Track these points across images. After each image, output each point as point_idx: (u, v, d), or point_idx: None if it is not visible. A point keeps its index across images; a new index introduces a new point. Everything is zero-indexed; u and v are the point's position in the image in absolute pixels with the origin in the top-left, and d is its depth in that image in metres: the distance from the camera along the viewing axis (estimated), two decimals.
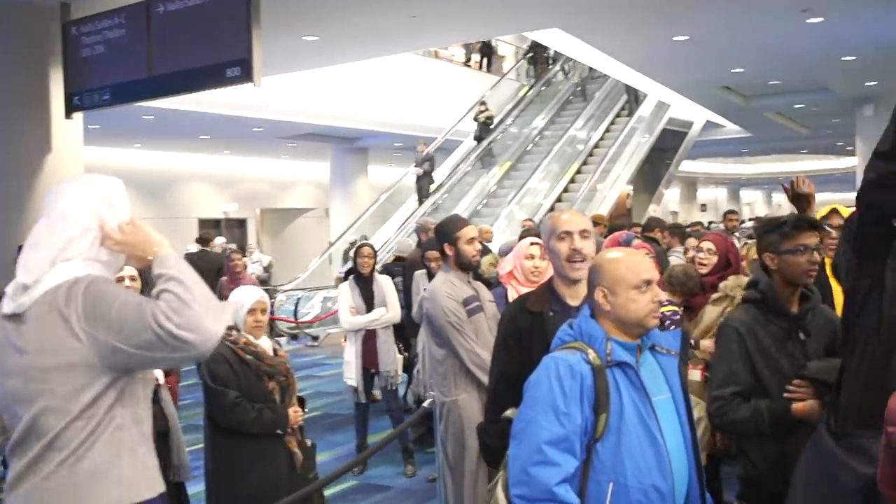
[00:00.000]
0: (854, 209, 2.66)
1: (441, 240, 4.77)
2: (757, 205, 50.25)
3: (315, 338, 14.71)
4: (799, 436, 3.02)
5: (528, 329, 3.22)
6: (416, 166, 18.70)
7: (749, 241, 5.77)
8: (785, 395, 3.11)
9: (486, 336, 4.63)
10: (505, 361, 3.31)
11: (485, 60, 24.30)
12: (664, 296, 2.69)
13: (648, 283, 2.60)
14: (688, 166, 30.08)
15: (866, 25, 11.38)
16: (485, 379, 4.49)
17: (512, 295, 4.78)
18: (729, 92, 17.20)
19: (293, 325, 14.81)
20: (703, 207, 42.74)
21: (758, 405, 3.13)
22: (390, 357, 7.12)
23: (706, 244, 5.19)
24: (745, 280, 4.21)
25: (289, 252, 25.72)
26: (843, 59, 13.49)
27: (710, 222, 21.83)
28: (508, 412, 2.77)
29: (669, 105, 20.11)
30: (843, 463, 2.56)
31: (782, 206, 52.24)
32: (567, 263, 3.21)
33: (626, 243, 5.36)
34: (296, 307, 15.50)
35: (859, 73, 14.83)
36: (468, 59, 24.35)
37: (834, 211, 4.45)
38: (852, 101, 17.63)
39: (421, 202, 18.53)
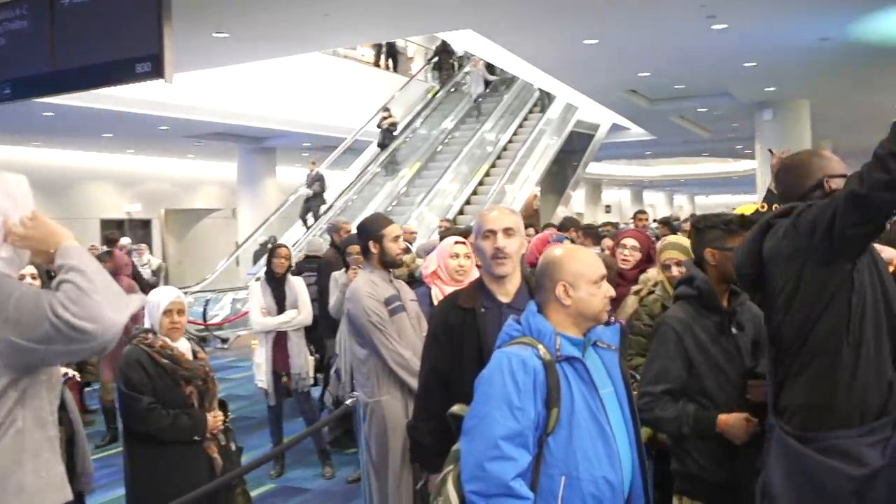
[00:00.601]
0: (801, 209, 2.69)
1: (365, 237, 4.74)
2: (659, 206, 51.37)
3: (225, 340, 14.45)
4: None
5: (460, 325, 3.25)
6: (306, 187, 18.29)
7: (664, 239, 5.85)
8: (748, 395, 3.16)
9: (409, 335, 4.62)
10: (436, 357, 3.33)
11: (390, 61, 24.25)
12: (613, 292, 2.74)
13: (602, 278, 2.69)
14: (593, 168, 30.51)
15: (767, 32, 11.72)
16: (409, 379, 4.49)
17: (436, 294, 4.78)
18: (635, 95, 17.51)
19: (202, 327, 14.52)
20: (608, 209, 43.49)
21: (685, 408, 3.17)
22: (301, 359, 7.03)
23: (630, 241, 5.28)
24: (662, 274, 4.28)
25: (195, 253, 25.26)
26: (744, 64, 13.85)
27: (625, 223, 22.22)
28: (455, 408, 2.78)
29: (577, 108, 20.39)
30: (829, 468, 2.58)
31: (683, 207, 53.57)
32: (492, 261, 3.25)
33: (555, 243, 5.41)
34: (204, 309, 15.21)
35: (759, 79, 15.27)
36: (378, 60, 24.27)
37: (759, 212, 4.54)
38: (752, 106, 18.11)
39: (307, 224, 18.12)
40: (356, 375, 4.84)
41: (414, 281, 6.12)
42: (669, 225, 12.64)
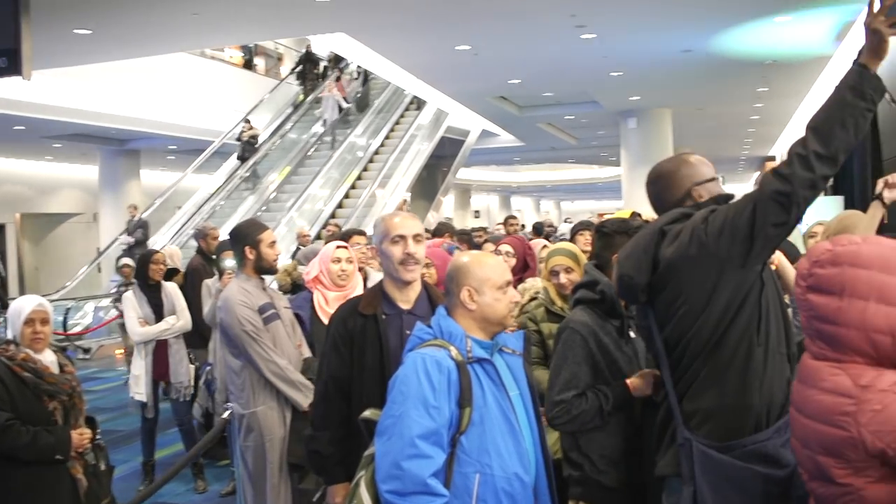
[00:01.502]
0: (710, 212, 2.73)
1: (240, 243, 4.60)
2: (527, 212, 52.23)
3: (87, 350, 13.88)
4: (641, 431, 3.14)
5: (361, 332, 3.22)
6: (127, 234, 16.92)
7: (549, 243, 5.92)
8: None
9: (285, 344, 4.52)
10: (335, 365, 3.28)
11: (263, 63, 23.87)
12: (518, 297, 2.78)
13: (508, 284, 2.75)
14: (463, 174, 30.77)
15: (634, 43, 12.07)
16: (285, 388, 4.39)
17: (318, 299, 4.69)
18: (505, 102, 17.76)
19: (62, 337, 13.88)
20: (477, 214, 43.95)
21: (597, 391, 3.20)
22: (183, 368, 6.80)
23: (505, 247, 5.30)
24: (547, 279, 4.28)
25: (54, 260, 24.19)
26: (611, 74, 14.22)
27: (495, 228, 22.46)
28: (368, 413, 2.77)
29: (448, 113, 20.50)
30: (756, 474, 2.60)
31: (549, 212, 54.61)
32: (400, 266, 3.22)
33: (449, 253, 5.38)
34: (65, 318, 14.55)
35: (625, 88, 15.72)
36: (247, 62, 23.83)
37: (636, 214, 4.61)
38: (617, 114, 18.65)
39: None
40: (230, 386, 4.69)
41: (297, 288, 6.00)
42: (540, 231, 12.88)
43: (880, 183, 3.86)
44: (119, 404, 9.84)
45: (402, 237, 3.23)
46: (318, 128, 20.89)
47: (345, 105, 20.84)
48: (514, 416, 2.65)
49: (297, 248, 11.11)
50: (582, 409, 3.17)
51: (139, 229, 16.98)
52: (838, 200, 9.11)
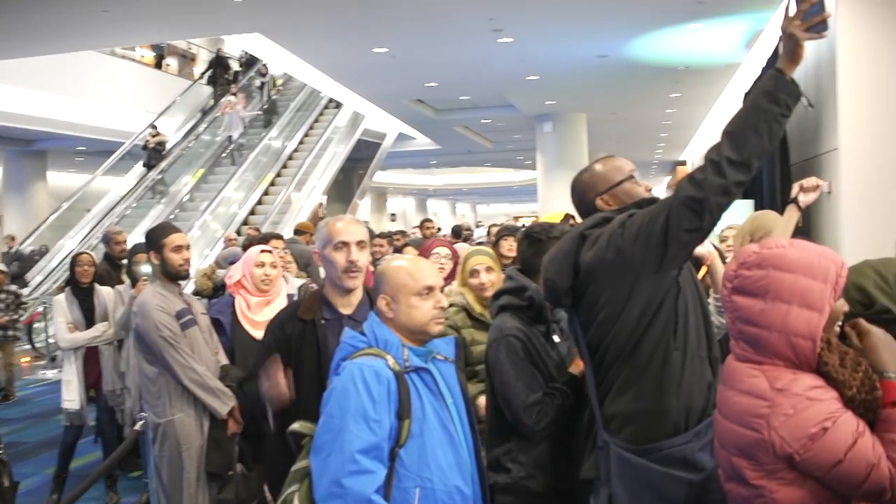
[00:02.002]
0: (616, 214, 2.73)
1: (148, 248, 4.50)
2: (443, 215, 52.36)
3: None
4: (567, 439, 3.12)
5: (298, 337, 3.16)
6: (5, 265, 13.58)
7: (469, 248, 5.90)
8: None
9: (202, 350, 4.42)
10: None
11: (175, 63, 23.39)
12: (446, 301, 2.68)
13: (430, 289, 2.63)
14: (379, 177, 30.72)
15: (550, 48, 12.17)
16: (203, 396, 4.29)
17: (240, 304, 4.59)
18: (422, 105, 17.74)
19: None
20: (393, 217, 43.89)
21: (553, 388, 3.18)
22: (115, 375, 6.51)
23: (444, 251, 5.27)
24: (465, 281, 4.25)
25: None
26: (527, 77, 14.31)
27: (411, 231, 22.43)
28: (296, 426, 2.65)
29: (365, 116, 20.41)
30: (672, 477, 2.61)
31: (465, 216, 54.81)
32: (343, 274, 3.16)
33: None
34: None
35: (541, 92, 15.84)
36: (159, 62, 23.33)
37: (569, 216, 4.59)
38: (533, 118, 18.79)
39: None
40: (144, 394, 4.54)
41: (218, 291, 5.86)
42: (458, 234, 12.89)
43: (795, 187, 3.95)
44: (23, 415, 9.51)
45: (345, 244, 3.16)
46: (246, 113, 20.54)
47: (247, 120, 20.26)
48: (454, 425, 2.57)
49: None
50: (556, 407, 3.16)
51: (15, 262, 16.28)
52: (749, 204, 9.29)
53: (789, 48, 2.46)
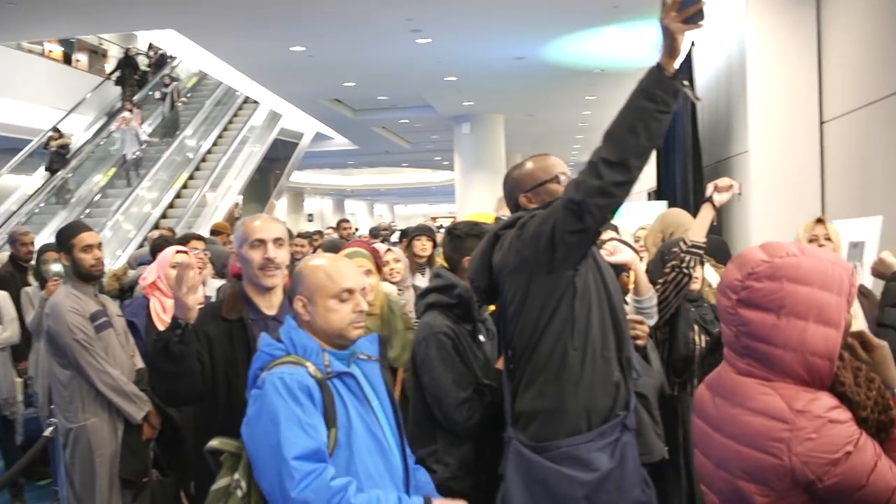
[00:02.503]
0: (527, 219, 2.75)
1: (57, 247, 4.37)
2: (360, 215, 52.12)
3: None
4: (492, 437, 3.09)
5: (226, 336, 3.03)
6: None
7: (393, 249, 5.87)
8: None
9: (118, 353, 4.30)
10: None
11: (85, 59, 22.72)
12: (366, 305, 2.57)
13: (350, 291, 2.51)
14: (296, 177, 30.42)
15: (468, 49, 12.21)
16: (118, 400, 4.17)
17: (155, 306, 4.47)
18: (340, 105, 17.64)
19: None
20: (310, 218, 43.50)
21: (483, 385, 3.16)
22: (8, 382, 6.29)
23: (394, 253, 5.25)
24: (386, 285, 4.23)
25: None
26: (445, 78, 14.35)
27: (326, 232, 22.25)
28: (214, 443, 2.49)
29: (282, 115, 20.18)
30: (562, 475, 2.62)
31: (383, 216, 54.66)
32: (260, 272, 3.07)
33: None
34: None
35: (459, 93, 15.90)
36: (67, 56, 22.66)
37: (499, 220, 4.60)
38: (451, 119, 18.85)
39: None
40: (56, 399, 4.39)
41: (125, 293, 5.71)
42: (377, 235, 12.85)
43: (710, 186, 4.04)
44: None
45: (262, 241, 3.07)
46: (147, 127, 20.02)
47: (144, 136, 18.97)
48: (381, 430, 2.47)
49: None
50: (485, 405, 3.14)
51: None
52: (663, 205, 9.46)
53: (667, 41, 2.41)
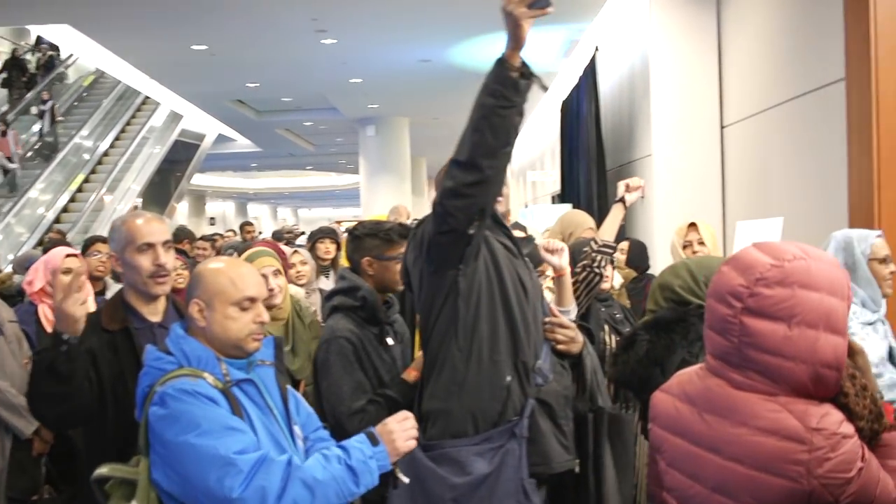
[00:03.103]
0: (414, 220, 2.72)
1: None
2: (264, 219, 51.43)
3: None
4: None
5: (109, 348, 2.75)
6: None
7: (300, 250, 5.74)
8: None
9: (9, 363, 4.02)
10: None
11: None
12: (267, 315, 2.41)
13: (252, 300, 2.33)
14: (198, 179, 29.88)
15: (374, 51, 12.10)
16: (5, 414, 3.92)
17: (44, 312, 4.23)
18: (243, 106, 17.36)
19: None
20: (213, 221, 42.72)
21: (380, 395, 3.03)
22: None
23: (300, 257, 5.13)
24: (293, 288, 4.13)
25: None
26: (351, 80, 14.20)
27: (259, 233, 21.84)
28: (104, 470, 2.23)
29: (183, 116, 19.75)
30: (435, 475, 2.60)
31: (286, 220, 54.10)
32: (150, 279, 2.81)
33: None
34: None
35: (364, 96, 15.77)
36: None
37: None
38: (356, 122, 18.71)
39: None
40: None
41: (15, 298, 5.44)
42: (280, 238, 12.63)
43: (621, 186, 4.06)
44: None
45: (151, 245, 2.82)
46: (38, 126, 19.31)
47: (11, 166, 17.23)
48: (284, 437, 2.33)
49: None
50: (380, 417, 3.03)
51: None
52: (566, 208, 9.57)
53: (510, 29, 2.32)
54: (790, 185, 5.22)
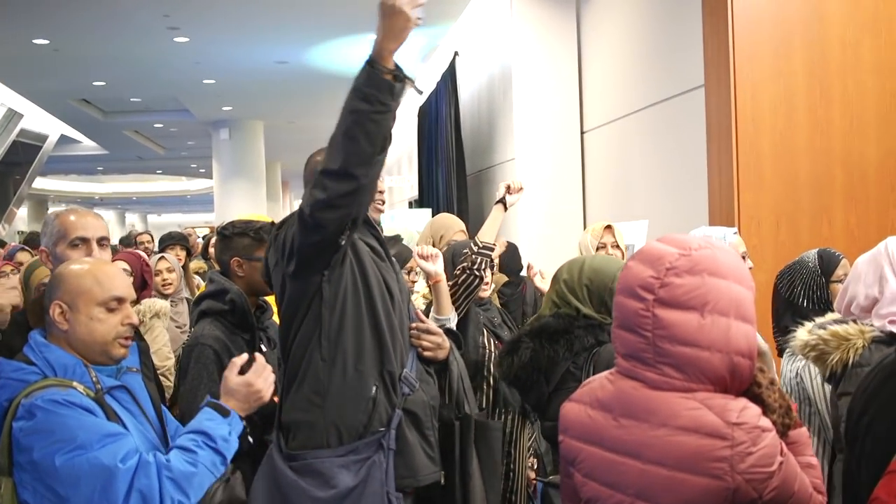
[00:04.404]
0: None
1: None
2: (111, 225, 49.60)
3: None
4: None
5: None
6: None
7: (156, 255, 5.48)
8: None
9: None
10: None
11: None
12: (136, 318, 2.27)
13: (120, 300, 2.21)
14: (40, 183, 28.52)
15: (227, 51, 11.80)
16: None
17: None
18: (88, 105, 16.63)
19: None
20: None
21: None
22: None
23: (121, 264, 4.82)
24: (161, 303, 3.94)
25: None
26: (204, 81, 13.83)
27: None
28: None
29: (23, 115, 18.77)
30: (298, 488, 2.47)
31: (135, 225, 52.39)
32: None
33: None
34: None
35: (217, 98, 15.39)
36: None
37: None
38: (209, 125, 18.25)
39: None
40: None
41: None
42: (129, 245, 12.15)
43: (502, 187, 4.05)
44: None
45: (85, 240, 2.67)
46: None
47: None
48: (162, 445, 2.22)
49: None
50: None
51: None
52: (426, 212, 9.59)
53: (396, 27, 2.19)
54: (652, 189, 5.35)
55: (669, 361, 1.73)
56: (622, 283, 1.83)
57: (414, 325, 2.78)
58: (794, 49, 4.25)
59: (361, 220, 2.55)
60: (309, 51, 11.83)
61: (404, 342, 2.68)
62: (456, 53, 9.22)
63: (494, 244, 3.85)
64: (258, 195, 18.43)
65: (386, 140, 2.34)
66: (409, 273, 4.10)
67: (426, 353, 2.78)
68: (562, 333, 2.71)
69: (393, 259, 2.79)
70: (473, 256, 3.72)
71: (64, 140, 21.83)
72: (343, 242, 2.48)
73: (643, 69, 5.42)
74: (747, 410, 1.68)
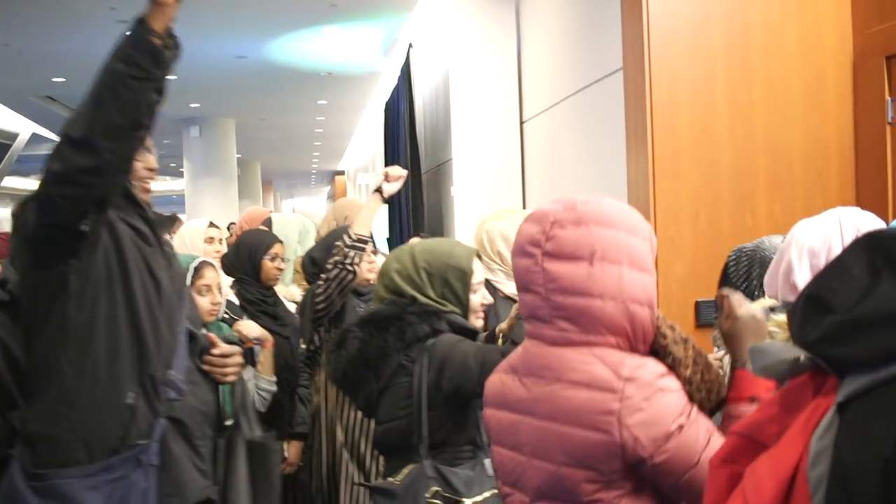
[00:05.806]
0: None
1: None
2: None
3: None
4: None
5: None
6: None
7: None
8: None
9: None
10: None
11: None
12: None
13: None
14: (10, 182, 28.21)
15: (186, 45, 11.50)
16: None
17: None
18: (53, 103, 16.37)
19: None
20: None
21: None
22: None
23: None
24: None
25: None
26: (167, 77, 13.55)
27: None
28: None
29: None
30: None
31: None
32: None
33: None
34: None
35: (183, 94, 15.12)
36: None
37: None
38: (179, 122, 18.04)
39: None
40: None
41: None
42: None
43: (381, 175, 3.93)
44: None
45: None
46: None
47: None
48: None
49: None
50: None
51: None
52: (384, 208, 9.43)
53: None
54: (580, 177, 5.20)
55: (563, 314, 1.72)
56: (514, 246, 1.84)
57: (210, 353, 2.52)
58: (713, 29, 4.02)
59: (111, 204, 2.24)
60: (267, 45, 11.60)
61: (171, 339, 2.35)
62: (410, 46, 9.02)
63: (369, 237, 3.67)
64: (230, 194, 18.24)
65: (142, 114, 2.10)
66: (273, 260, 3.98)
67: (217, 378, 2.54)
68: (392, 320, 2.49)
69: (165, 243, 2.49)
70: (346, 250, 3.54)
71: (36, 139, 21.58)
72: (85, 229, 2.16)
73: (575, 53, 5.25)
74: (644, 367, 1.67)
